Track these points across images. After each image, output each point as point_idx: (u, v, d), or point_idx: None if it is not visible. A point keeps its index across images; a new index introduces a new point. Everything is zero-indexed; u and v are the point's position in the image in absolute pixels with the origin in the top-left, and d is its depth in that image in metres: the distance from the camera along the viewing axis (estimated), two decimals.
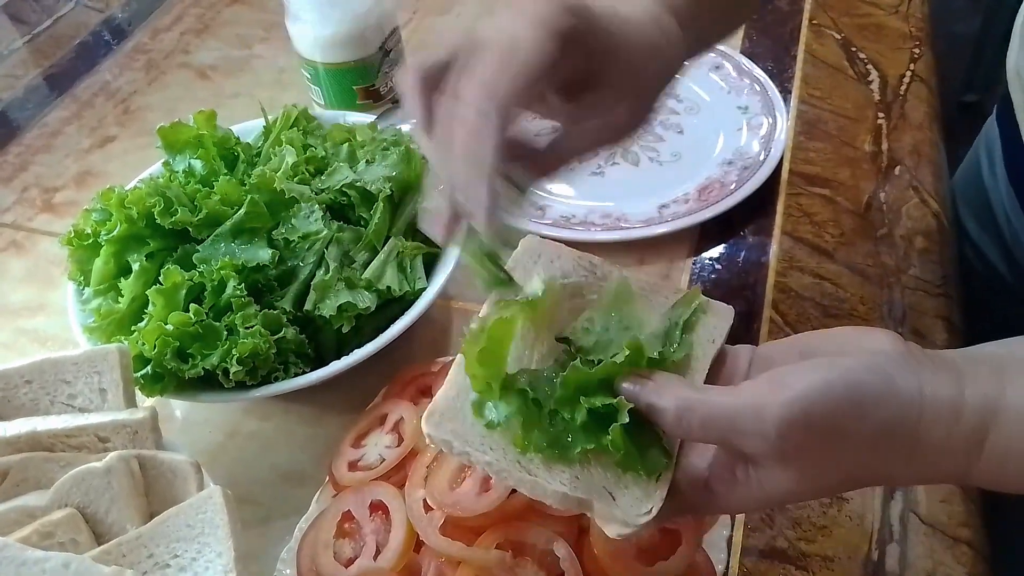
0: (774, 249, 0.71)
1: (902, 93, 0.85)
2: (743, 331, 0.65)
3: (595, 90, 0.44)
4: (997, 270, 0.78)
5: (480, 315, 0.44)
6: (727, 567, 0.53)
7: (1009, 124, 0.71)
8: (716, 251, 0.71)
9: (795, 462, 0.36)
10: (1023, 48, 0.67)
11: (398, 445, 0.54)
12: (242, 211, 0.59)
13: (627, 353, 0.40)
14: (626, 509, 0.39)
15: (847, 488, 0.46)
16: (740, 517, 0.54)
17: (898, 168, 0.77)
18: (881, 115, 0.82)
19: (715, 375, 0.44)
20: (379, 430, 0.55)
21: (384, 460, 0.53)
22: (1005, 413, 0.36)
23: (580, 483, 0.40)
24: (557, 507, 0.40)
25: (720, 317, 0.47)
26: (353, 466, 0.54)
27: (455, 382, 0.43)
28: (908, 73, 0.87)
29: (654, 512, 0.39)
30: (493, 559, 0.46)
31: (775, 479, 0.37)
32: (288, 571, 0.50)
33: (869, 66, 0.88)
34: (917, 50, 0.89)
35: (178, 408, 0.64)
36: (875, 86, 0.86)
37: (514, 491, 0.49)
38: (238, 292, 0.56)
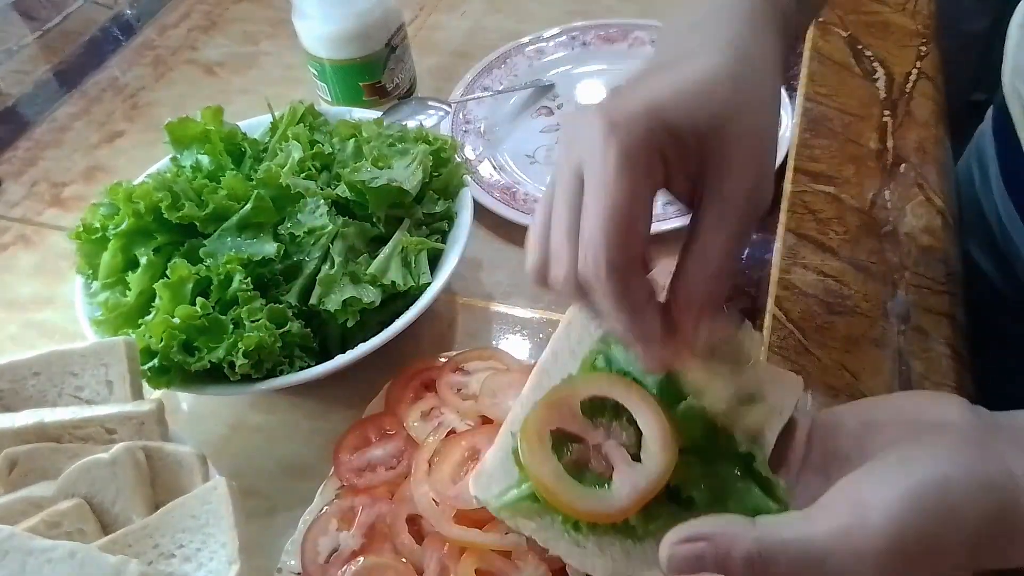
0: (778, 246, 0.71)
1: (908, 91, 0.84)
2: None
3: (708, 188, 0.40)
4: (990, 280, 0.77)
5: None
6: None
7: (1006, 137, 0.70)
8: None
9: None
10: (1016, 66, 0.67)
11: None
12: (248, 206, 0.60)
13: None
14: None
15: None
16: None
17: (903, 166, 0.77)
18: (887, 113, 0.82)
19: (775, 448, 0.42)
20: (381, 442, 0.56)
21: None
22: None
23: (632, 558, 0.39)
24: None
25: (788, 387, 0.45)
26: (359, 473, 0.54)
27: (504, 444, 0.43)
28: (914, 71, 0.87)
29: None
30: (509, 543, 0.47)
31: None
32: (292, 562, 0.51)
33: (875, 63, 0.87)
34: (924, 48, 0.89)
35: (184, 401, 0.64)
36: (881, 83, 0.85)
37: None
38: (244, 286, 0.56)
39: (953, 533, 0.32)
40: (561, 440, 0.41)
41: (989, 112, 0.78)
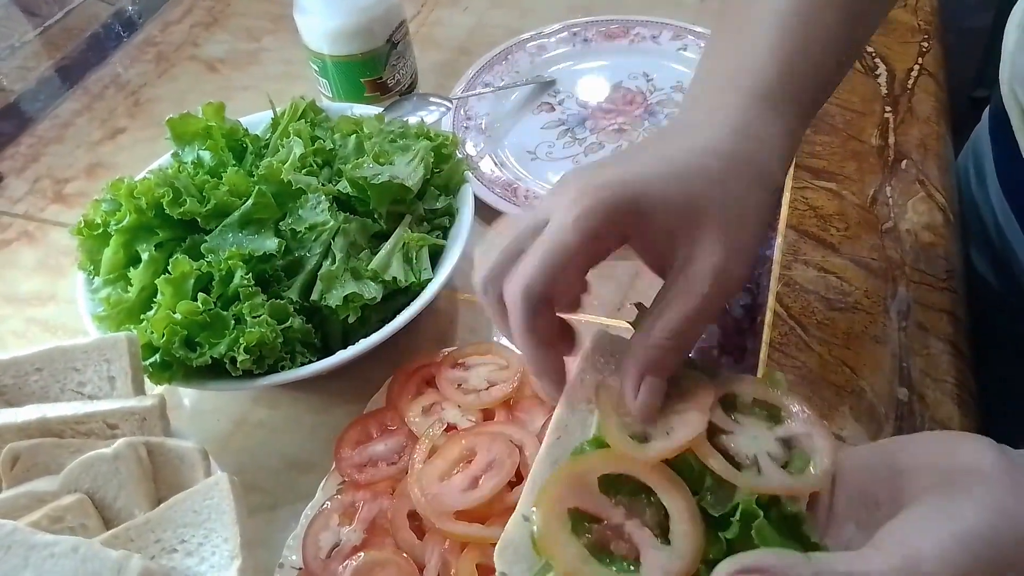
0: (779, 242, 0.71)
1: (910, 87, 0.84)
2: (747, 323, 0.65)
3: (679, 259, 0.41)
4: (986, 280, 0.77)
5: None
6: None
7: (1004, 140, 0.70)
8: None
9: None
10: (1015, 71, 0.66)
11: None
12: (250, 202, 0.60)
13: (739, 520, 0.38)
14: None
15: None
16: None
17: (905, 162, 0.77)
18: (888, 109, 0.82)
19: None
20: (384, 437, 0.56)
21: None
22: None
23: None
24: None
25: (822, 436, 0.43)
26: (361, 468, 0.54)
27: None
28: (916, 67, 0.86)
29: None
30: None
31: None
32: (294, 557, 0.51)
33: (877, 60, 0.87)
34: (926, 44, 0.89)
35: (187, 397, 0.65)
36: (883, 80, 0.85)
37: (513, 484, 0.49)
38: (245, 282, 0.57)
39: None
40: (579, 518, 0.39)
41: (986, 113, 0.78)
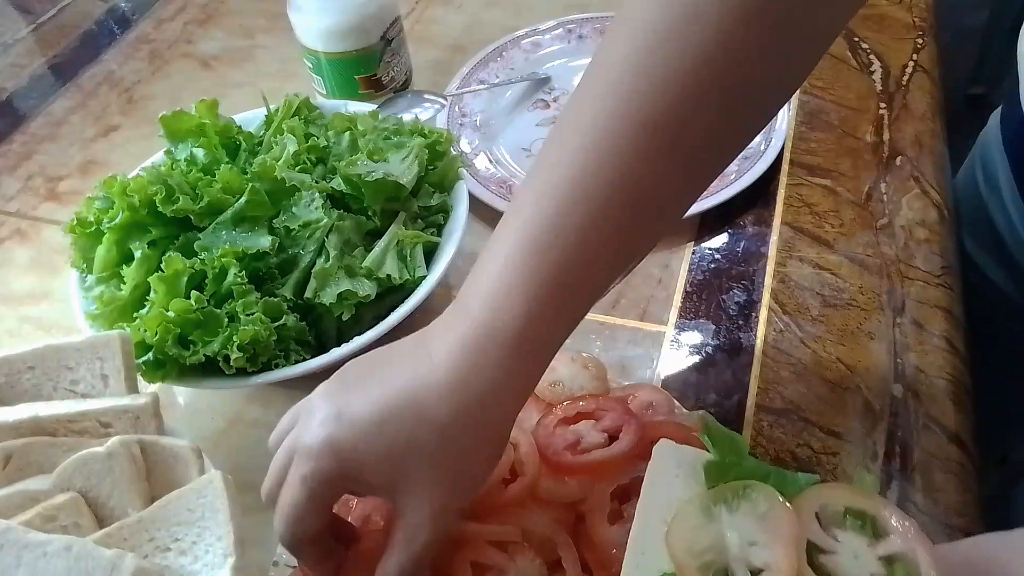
0: (774, 239, 0.71)
1: (904, 83, 0.84)
2: (741, 320, 0.65)
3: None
4: (1001, 290, 0.76)
5: None
6: None
7: (1020, 143, 0.69)
8: (716, 240, 0.71)
9: None
10: None
11: None
12: (243, 199, 0.60)
13: None
14: None
15: None
16: None
17: (899, 159, 0.77)
18: (883, 105, 0.82)
19: None
20: None
21: None
22: None
23: None
24: None
25: (916, 537, 0.41)
26: None
27: None
28: (911, 63, 0.86)
29: None
30: (505, 534, 0.47)
31: None
32: (287, 556, 0.51)
33: (872, 56, 0.87)
34: (920, 40, 0.89)
35: (181, 395, 0.64)
36: (877, 76, 0.85)
37: (507, 481, 0.49)
38: (239, 279, 0.56)
39: None
40: None
41: (994, 118, 0.77)
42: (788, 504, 0.40)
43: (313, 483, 0.41)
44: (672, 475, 0.44)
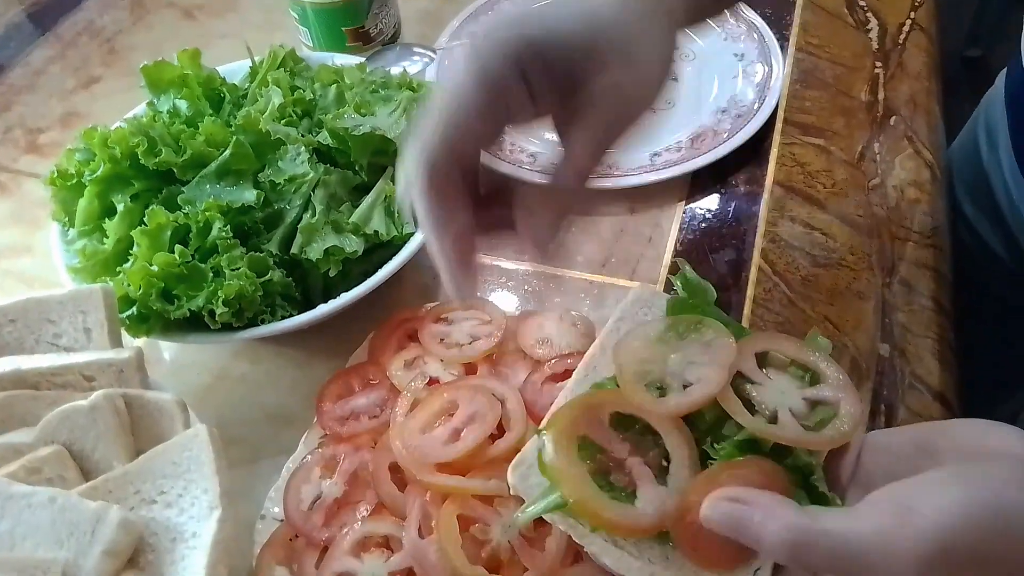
0: (765, 198, 0.70)
1: (901, 42, 0.83)
2: (731, 279, 0.65)
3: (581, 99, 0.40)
4: (994, 252, 0.77)
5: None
6: None
7: (1021, 109, 0.68)
8: (707, 200, 0.71)
9: None
10: None
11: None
12: (227, 152, 0.59)
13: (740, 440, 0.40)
14: None
15: None
16: None
17: (893, 118, 0.76)
18: (878, 64, 0.81)
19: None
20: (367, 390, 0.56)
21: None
22: None
23: (671, 563, 0.39)
24: None
25: (852, 402, 0.44)
26: (342, 422, 0.54)
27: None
28: (908, 21, 0.85)
29: None
30: (491, 489, 0.47)
31: None
32: (275, 509, 0.51)
33: (869, 14, 0.86)
34: None
35: (167, 351, 0.64)
36: (874, 34, 0.84)
37: (494, 437, 0.49)
38: (224, 234, 0.56)
39: (1003, 550, 0.31)
40: (586, 446, 0.41)
41: (1000, 79, 0.76)
42: (733, 340, 0.44)
43: (485, 58, 0.36)
44: (641, 315, 0.49)
